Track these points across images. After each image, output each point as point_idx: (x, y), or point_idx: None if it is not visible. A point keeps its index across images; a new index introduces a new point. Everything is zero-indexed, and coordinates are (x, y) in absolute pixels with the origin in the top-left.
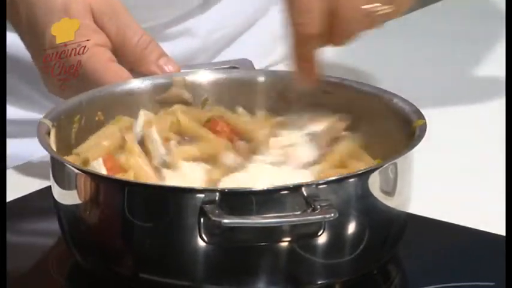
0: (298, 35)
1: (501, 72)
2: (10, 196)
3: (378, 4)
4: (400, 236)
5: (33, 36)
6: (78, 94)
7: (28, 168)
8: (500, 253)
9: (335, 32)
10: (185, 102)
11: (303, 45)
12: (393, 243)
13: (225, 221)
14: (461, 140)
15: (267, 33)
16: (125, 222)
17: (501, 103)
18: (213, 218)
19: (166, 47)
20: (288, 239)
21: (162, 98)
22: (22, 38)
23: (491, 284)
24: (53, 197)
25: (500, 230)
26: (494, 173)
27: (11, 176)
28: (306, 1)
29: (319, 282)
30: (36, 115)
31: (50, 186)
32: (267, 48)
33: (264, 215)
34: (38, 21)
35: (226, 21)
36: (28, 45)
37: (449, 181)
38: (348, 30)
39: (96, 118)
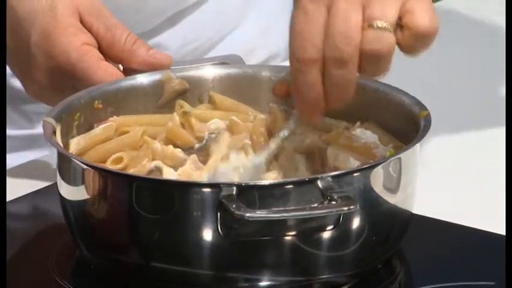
0: (296, 63)
1: (501, 71)
2: (10, 196)
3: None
4: (405, 229)
5: (17, 41)
6: (65, 94)
7: (28, 168)
8: (502, 253)
9: (328, 57)
10: (184, 93)
11: (303, 72)
12: (399, 237)
13: (248, 214)
14: (461, 140)
15: (239, 47)
16: (135, 216)
17: (502, 102)
18: (236, 212)
19: None
20: (304, 231)
21: (164, 100)
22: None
23: (492, 283)
24: (60, 194)
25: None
26: (496, 173)
27: (11, 175)
28: (305, 32)
29: (327, 275)
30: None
31: (48, 186)
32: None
33: (286, 208)
34: (21, 23)
35: (197, 35)
36: (10, 55)
37: (450, 180)
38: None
39: (94, 106)
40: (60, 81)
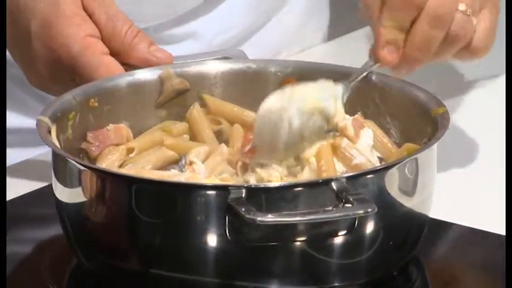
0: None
1: (502, 70)
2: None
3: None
4: (422, 233)
5: (17, 29)
6: (65, 86)
7: (25, 168)
8: None
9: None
10: (184, 92)
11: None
12: (415, 242)
13: (260, 218)
14: (463, 141)
15: (276, 36)
16: (135, 220)
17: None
18: (247, 216)
19: (171, 50)
20: (316, 236)
21: (163, 99)
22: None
23: None
24: (55, 196)
25: None
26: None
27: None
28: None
29: (339, 284)
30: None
31: (44, 187)
32: (275, 52)
33: (300, 212)
34: (22, 10)
35: (231, 23)
36: (10, 43)
37: (467, 182)
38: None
39: (90, 104)
40: (61, 73)
